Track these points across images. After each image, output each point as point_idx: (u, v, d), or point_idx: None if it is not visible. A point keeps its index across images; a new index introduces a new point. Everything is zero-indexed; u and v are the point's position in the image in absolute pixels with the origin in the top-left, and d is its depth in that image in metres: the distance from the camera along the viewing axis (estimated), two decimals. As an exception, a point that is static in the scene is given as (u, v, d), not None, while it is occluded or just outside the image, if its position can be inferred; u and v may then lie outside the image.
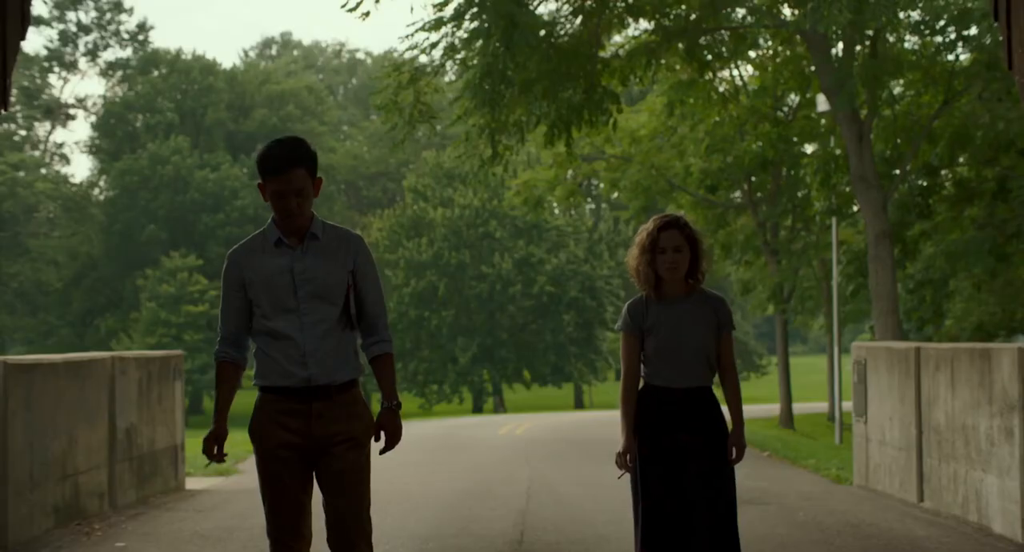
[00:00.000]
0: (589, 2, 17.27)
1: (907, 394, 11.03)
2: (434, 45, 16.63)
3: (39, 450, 9.10)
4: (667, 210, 30.28)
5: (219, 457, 4.86)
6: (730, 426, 5.63)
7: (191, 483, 13.16)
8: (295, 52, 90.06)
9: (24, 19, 7.24)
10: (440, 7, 16.18)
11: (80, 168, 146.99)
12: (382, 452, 4.90)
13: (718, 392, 5.65)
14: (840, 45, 19.68)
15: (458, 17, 16.10)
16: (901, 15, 17.54)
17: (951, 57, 20.03)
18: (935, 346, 10.70)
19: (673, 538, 5.50)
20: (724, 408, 5.68)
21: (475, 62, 16.29)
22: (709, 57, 19.62)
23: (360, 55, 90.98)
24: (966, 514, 9.69)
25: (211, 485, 13.19)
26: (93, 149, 65.89)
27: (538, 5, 16.96)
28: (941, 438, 10.23)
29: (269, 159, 4.76)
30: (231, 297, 4.87)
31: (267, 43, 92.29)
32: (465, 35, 16.28)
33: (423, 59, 17.17)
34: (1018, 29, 6.98)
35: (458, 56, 16.62)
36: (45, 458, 9.20)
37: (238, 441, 22.28)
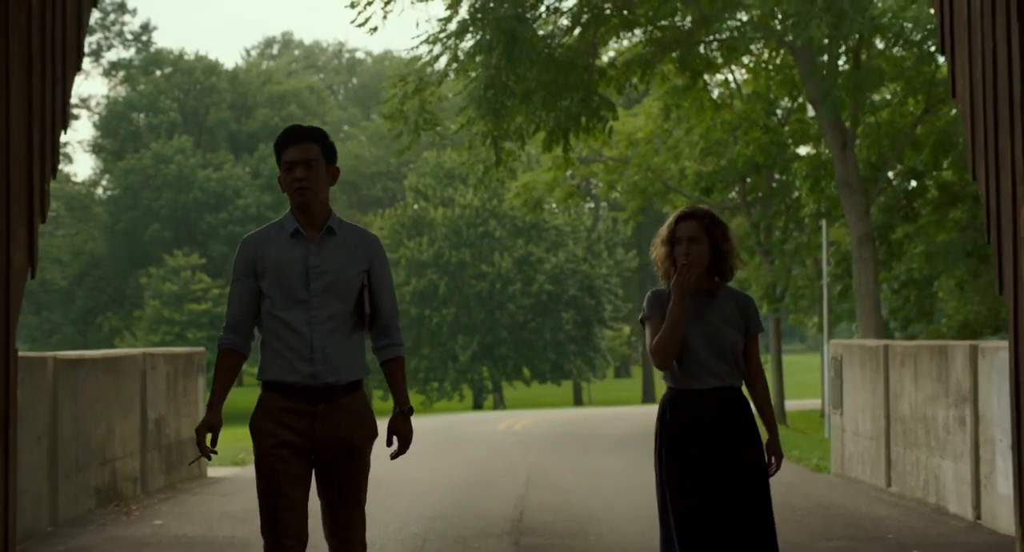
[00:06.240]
0: (586, 16, 18.15)
1: (877, 388, 11.95)
2: (437, 57, 17.54)
3: (83, 438, 10.03)
4: (663, 211, 31.15)
5: (211, 449, 4.83)
6: (763, 433, 5.32)
7: (212, 471, 14.06)
8: (296, 52, 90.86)
9: (80, 51, 8.09)
10: (445, 22, 17.10)
11: (83, 167, 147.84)
12: (393, 457, 4.92)
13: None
14: (825, 57, 20.55)
15: (462, 31, 17.00)
16: (884, 20, 18.33)
17: (932, 66, 20.86)
18: (901, 343, 11.62)
19: (707, 544, 5.17)
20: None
21: (478, 73, 17.18)
22: (701, 67, 20.55)
23: (360, 55, 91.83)
24: (926, 496, 10.62)
25: (231, 473, 14.08)
26: (96, 148, 66.64)
27: (537, 18, 17.85)
28: (906, 428, 11.15)
29: (284, 132, 4.90)
30: (241, 284, 4.85)
31: (268, 43, 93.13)
32: (468, 48, 17.18)
33: (427, 68, 18.05)
34: (961, 60, 7.86)
35: (456, 64, 17.50)
36: (88, 445, 10.13)
37: (247, 435, 23.03)
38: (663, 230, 5.36)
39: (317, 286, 4.76)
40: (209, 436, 4.82)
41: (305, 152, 4.80)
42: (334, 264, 4.79)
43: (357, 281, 4.82)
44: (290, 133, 4.88)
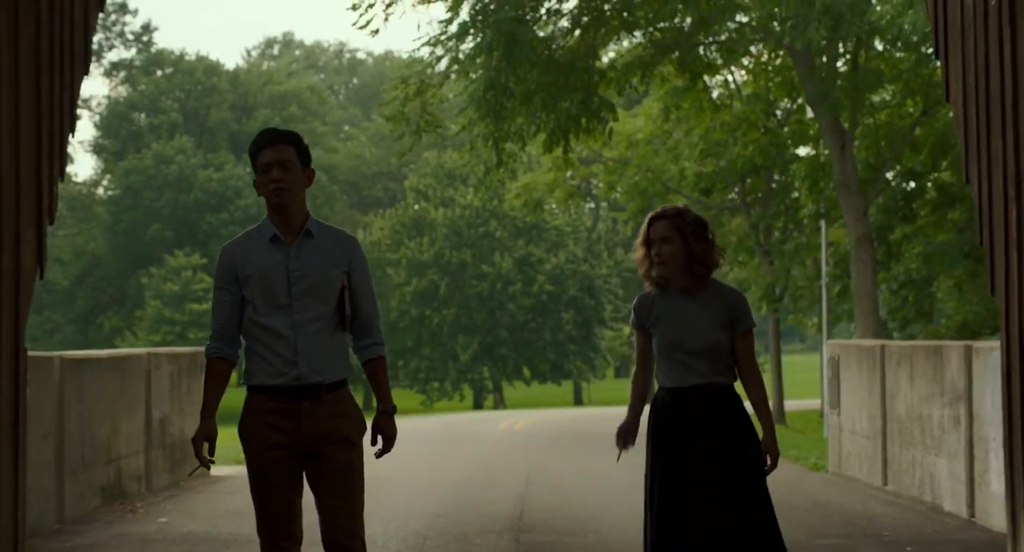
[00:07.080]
0: (586, 18, 18.27)
1: (873, 387, 12.07)
2: (439, 59, 17.67)
3: (88, 436, 10.15)
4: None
5: (210, 459, 4.84)
6: (759, 431, 5.27)
7: (215, 470, 14.16)
8: (297, 52, 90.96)
9: (87, 56, 8.21)
10: (446, 24, 17.23)
11: (84, 167, 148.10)
12: (378, 455, 4.94)
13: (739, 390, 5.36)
14: (823, 58, 20.68)
15: (463, 33, 17.12)
16: (882, 23, 18.42)
17: (930, 68, 20.96)
18: (897, 343, 11.75)
19: (684, 547, 5.21)
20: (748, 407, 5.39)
21: (479, 74, 17.29)
22: (701, 68, 20.69)
23: (361, 55, 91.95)
24: (922, 495, 10.75)
25: (234, 471, 14.19)
26: (97, 148, 66.74)
27: (537, 20, 17.96)
28: (902, 427, 11.27)
29: (258, 136, 4.93)
30: (224, 292, 4.87)
31: (269, 43, 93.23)
32: (469, 50, 17.29)
33: (428, 70, 18.17)
34: (954, 65, 7.99)
35: (456, 66, 17.62)
36: (94, 444, 10.26)
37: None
38: (640, 232, 5.46)
39: (299, 290, 4.79)
40: (206, 445, 4.83)
41: (280, 153, 4.84)
42: (314, 267, 4.82)
43: (338, 282, 4.85)
44: (264, 136, 4.92)
